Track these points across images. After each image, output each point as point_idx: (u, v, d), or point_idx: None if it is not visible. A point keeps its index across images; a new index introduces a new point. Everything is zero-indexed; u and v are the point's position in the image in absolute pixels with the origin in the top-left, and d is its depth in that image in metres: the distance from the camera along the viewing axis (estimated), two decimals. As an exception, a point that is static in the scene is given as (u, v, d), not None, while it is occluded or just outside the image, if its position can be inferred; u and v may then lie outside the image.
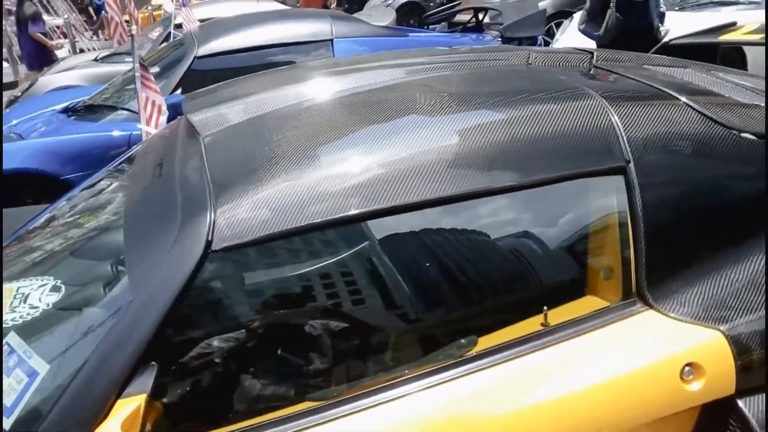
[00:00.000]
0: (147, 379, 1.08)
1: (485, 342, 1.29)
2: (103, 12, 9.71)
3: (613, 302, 1.35)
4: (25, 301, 1.34)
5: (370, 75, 1.74)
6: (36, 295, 1.35)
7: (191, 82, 3.83)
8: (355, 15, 7.98)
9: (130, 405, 1.05)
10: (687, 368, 1.23)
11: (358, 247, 1.39)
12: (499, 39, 4.62)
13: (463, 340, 1.29)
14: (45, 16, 10.41)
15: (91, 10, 12.47)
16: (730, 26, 2.87)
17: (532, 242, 1.41)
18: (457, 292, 1.39)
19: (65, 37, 9.96)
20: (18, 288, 1.39)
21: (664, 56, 2.14)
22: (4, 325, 1.28)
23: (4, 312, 1.31)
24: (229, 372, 1.28)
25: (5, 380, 1.16)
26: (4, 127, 4.08)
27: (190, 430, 1.23)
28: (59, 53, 8.65)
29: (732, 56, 3.40)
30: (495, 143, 1.34)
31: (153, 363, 1.12)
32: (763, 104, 1.61)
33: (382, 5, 9.62)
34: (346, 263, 1.40)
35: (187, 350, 1.24)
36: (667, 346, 1.24)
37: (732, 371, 1.24)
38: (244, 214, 1.21)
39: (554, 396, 1.21)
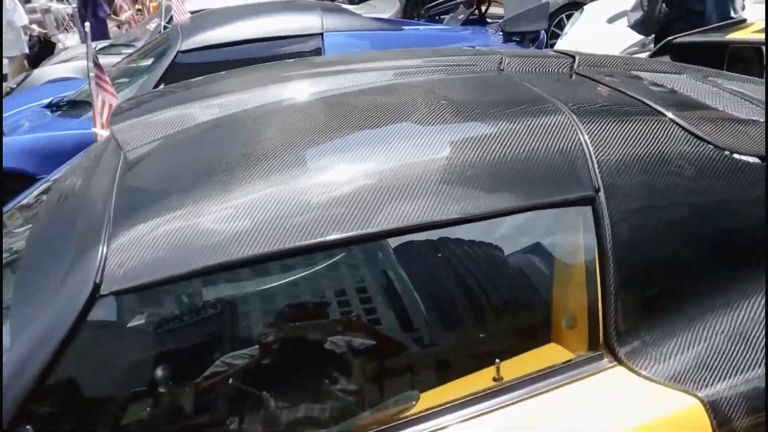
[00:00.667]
0: None
1: (429, 400, 1.11)
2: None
3: (578, 354, 1.16)
4: None
5: (321, 82, 1.55)
6: None
7: (174, 77, 3.66)
8: (360, 5, 7.80)
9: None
10: (655, 441, 1.05)
11: (270, 287, 1.22)
12: (501, 33, 4.40)
13: (400, 397, 1.11)
14: (56, 4, 10.31)
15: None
16: (739, 24, 2.64)
17: (485, 282, 1.23)
18: (396, 341, 1.21)
19: (74, 25, 9.84)
20: None
21: (660, 60, 1.93)
22: None
23: None
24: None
25: None
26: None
27: None
28: (68, 42, 8.56)
29: (749, 55, 3.14)
30: (439, 168, 1.15)
31: (28, 427, 0.96)
32: (761, 119, 1.40)
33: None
34: (253, 304, 1.23)
35: (69, 414, 1.07)
36: (633, 413, 1.06)
37: None
38: (143, 250, 1.04)
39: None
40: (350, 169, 1.14)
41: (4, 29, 8.14)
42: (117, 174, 1.27)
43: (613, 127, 1.26)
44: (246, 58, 3.74)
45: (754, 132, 1.34)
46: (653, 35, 3.89)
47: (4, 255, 1.36)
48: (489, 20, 5.21)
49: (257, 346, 1.21)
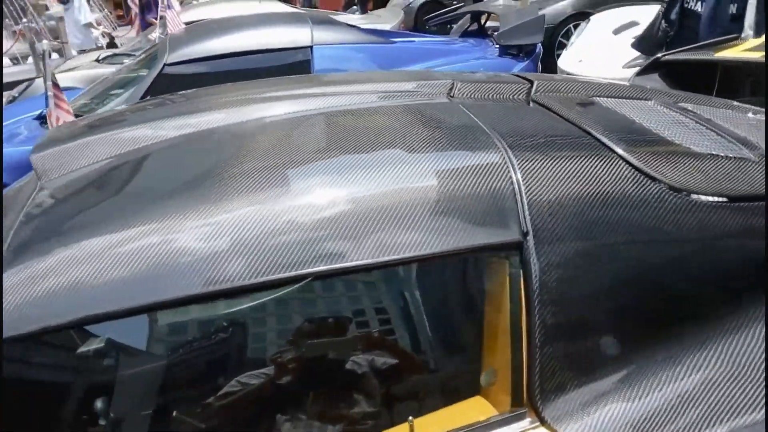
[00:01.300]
0: None
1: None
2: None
3: (503, 411, 1.07)
4: None
5: (253, 109, 1.47)
6: None
7: (160, 90, 3.63)
8: (365, 15, 7.75)
9: None
10: None
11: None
12: (496, 46, 4.30)
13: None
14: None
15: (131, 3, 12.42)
16: (730, 41, 2.52)
17: (409, 330, 1.14)
18: (296, 394, 1.13)
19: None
20: None
21: (627, 85, 1.82)
22: None
23: None
24: None
25: None
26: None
27: None
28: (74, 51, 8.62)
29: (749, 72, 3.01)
30: (351, 209, 1.06)
31: None
32: (723, 154, 1.30)
33: (399, 5, 9.32)
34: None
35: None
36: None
37: None
38: (22, 295, 0.97)
39: None
40: (237, 208, 1.06)
41: (71, 28, 8.27)
42: (25, 204, 1.21)
43: (552, 164, 1.17)
44: (233, 70, 3.71)
45: (711, 168, 1.24)
46: None
47: None
48: (490, 33, 5.12)
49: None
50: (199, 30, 4.20)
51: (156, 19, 7.55)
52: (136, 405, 1.12)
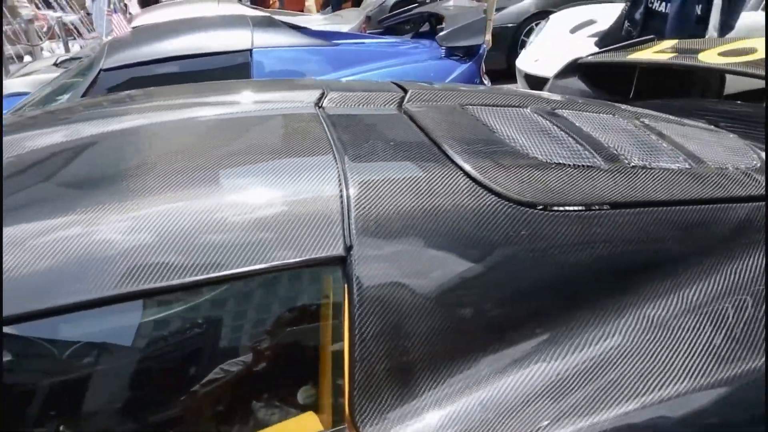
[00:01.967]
0: None
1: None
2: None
3: (326, 428, 1.06)
4: None
5: (109, 122, 1.45)
6: None
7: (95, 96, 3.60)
8: (328, 16, 7.71)
9: None
10: None
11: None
12: (442, 49, 4.29)
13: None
14: (51, 12, 10.24)
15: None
16: (646, 43, 2.53)
17: (229, 348, 1.13)
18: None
19: (71, 34, 9.76)
20: None
21: (511, 91, 1.82)
22: None
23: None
24: None
25: None
26: None
27: None
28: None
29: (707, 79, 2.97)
30: (168, 228, 1.05)
31: None
32: (570, 163, 1.30)
33: (372, 4, 9.27)
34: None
35: None
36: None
37: None
38: None
39: None
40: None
41: (98, 18, 8.13)
42: None
43: (388, 176, 1.17)
44: (170, 75, 3.68)
45: (553, 179, 1.24)
46: None
47: None
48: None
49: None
50: (138, 34, 4.16)
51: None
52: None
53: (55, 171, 1.28)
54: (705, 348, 1.11)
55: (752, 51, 2.15)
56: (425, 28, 5.20)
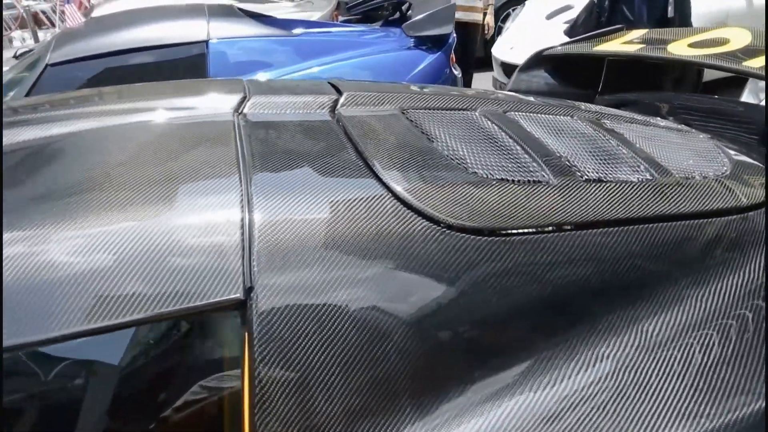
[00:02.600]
0: None
1: None
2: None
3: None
4: None
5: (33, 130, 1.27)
6: None
7: (44, 93, 3.40)
8: (297, 3, 7.48)
9: None
10: None
11: None
12: (412, 38, 4.12)
13: None
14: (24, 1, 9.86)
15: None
16: (615, 32, 2.38)
17: (123, 397, 0.98)
18: None
19: (53, 24, 9.39)
20: None
21: (456, 92, 1.66)
22: None
23: None
24: None
25: None
26: None
27: None
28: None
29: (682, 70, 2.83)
30: (30, 270, 0.89)
31: None
32: (513, 179, 1.15)
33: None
34: None
35: None
36: None
37: None
38: None
39: None
40: None
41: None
42: None
43: (301, 200, 1.01)
44: (120, 70, 3.48)
45: (493, 198, 1.09)
46: None
47: None
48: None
49: None
50: (90, 26, 3.95)
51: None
52: None
53: None
54: (674, 393, 0.98)
55: (724, 42, 2.01)
56: (398, 15, 5.02)
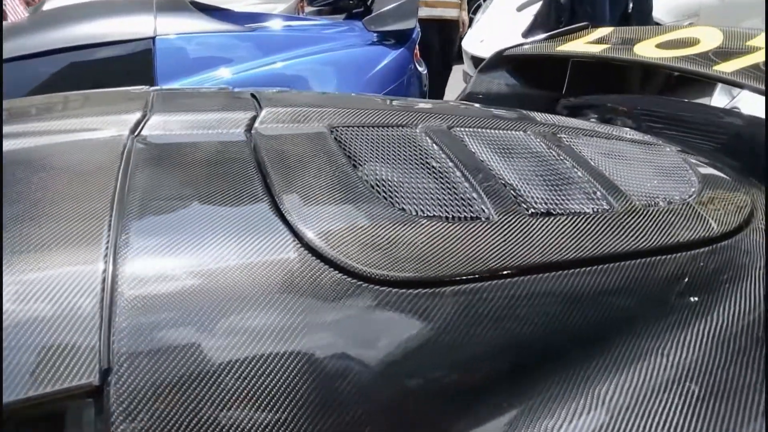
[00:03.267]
0: None
1: None
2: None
3: None
4: None
5: None
6: None
7: (-24, 94, 3.15)
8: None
9: None
10: None
11: None
12: (374, 33, 3.92)
13: None
14: None
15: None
16: (579, 31, 2.22)
17: None
18: None
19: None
20: None
21: (395, 104, 1.49)
22: None
23: None
24: None
25: None
26: None
27: None
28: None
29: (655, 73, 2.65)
30: None
31: None
32: (457, 215, 0.99)
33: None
34: None
35: None
36: None
37: None
38: None
39: None
40: None
41: None
42: None
43: (179, 255, 0.83)
44: (59, 71, 3.25)
45: (420, 241, 0.92)
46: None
47: None
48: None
49: None
50: (28, 22, 3.70)
51: None
52: None
53: None
54: None
55: (694, 42, 1.86)
56: (362, 8, 4.84)
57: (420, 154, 1.17)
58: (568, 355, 0.92)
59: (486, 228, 0.97)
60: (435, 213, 0.98)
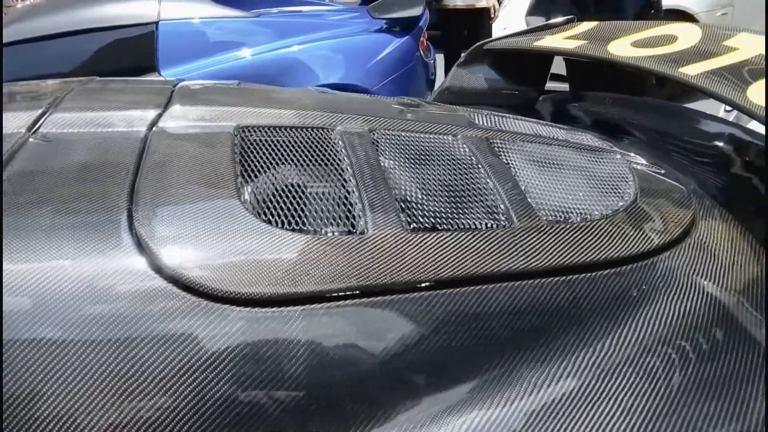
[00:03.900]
0: None
1: None
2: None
3: None
4: None
5: None
6: None
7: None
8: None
9: None
10: None
11: None
12: (379, 20, 3.86)
13: None
14: None
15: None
16: (564, 24, 2.11)
17: None
18: None
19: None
20: None
21: (336, 98, 1.44)
22: None
23: None
24: None
25: None
26: None
27: None
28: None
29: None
30: None
31: None
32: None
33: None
34: None
35: None
36: None
37: None
38: None
39: None
40: None
41: None
42: None
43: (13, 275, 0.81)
44: (63, 54, 3.31)
45: (282, 258, 0.89)
46: None
47: None
48: None
49: None
50: (35, 6, 3.76)
51: None
52: None
53: None
54: None
55: (671, 40, 1.75)
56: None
57: (322, 160, 1.13)
58: (427, 382, 0.87)
59: (354, 244, 0.92)
60: (311, 228, 0.94)
